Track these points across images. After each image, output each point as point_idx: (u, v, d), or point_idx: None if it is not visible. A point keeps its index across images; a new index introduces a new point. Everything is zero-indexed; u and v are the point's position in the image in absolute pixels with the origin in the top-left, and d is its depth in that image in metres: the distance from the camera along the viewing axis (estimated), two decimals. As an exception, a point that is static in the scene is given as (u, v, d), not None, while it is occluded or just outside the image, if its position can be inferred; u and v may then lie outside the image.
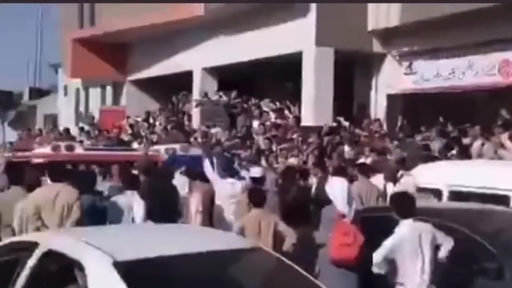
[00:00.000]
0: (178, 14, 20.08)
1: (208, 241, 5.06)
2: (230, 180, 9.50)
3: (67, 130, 20.38)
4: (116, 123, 22.07)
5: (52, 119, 30.43)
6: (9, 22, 74.69)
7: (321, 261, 6.57)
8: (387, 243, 5.76)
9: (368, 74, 17.47)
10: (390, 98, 16.77)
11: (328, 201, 6.85)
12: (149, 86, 24.44)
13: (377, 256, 5.76)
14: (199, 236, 5.40)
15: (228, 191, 9.09)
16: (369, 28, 16.50)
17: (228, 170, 10.25)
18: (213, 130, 17.09)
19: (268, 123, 16.44)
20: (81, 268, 4.36)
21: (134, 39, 23.72)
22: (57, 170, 7.88)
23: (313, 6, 16.20)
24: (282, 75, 19.19)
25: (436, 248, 5.76)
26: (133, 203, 7.91)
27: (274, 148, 13.75)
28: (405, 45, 16.43)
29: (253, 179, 8.92)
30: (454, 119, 13.72)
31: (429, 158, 10.11)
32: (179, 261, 4.50)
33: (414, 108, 15.89)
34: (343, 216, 6.44)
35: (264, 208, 7.24)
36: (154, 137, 17.35)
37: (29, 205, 7.22)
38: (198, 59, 20.45)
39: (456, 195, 7.62)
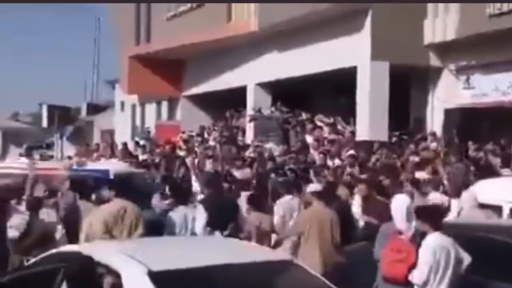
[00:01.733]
0: (232, 30, 20.30)
1: (241, 254, 5.36)
2: (287, 196, 9.57)
3: (125, 145, 20.63)
4: (171, 138, 22.32)
5: (109, 134, 30.99)
6: (68, 40, 76.82)
7: (378, 277, 6.52)
8: (426, 260, 5.84)
9: (425, 89, 17.21)
10: (448, 112, 16.50)
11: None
12: (203, 101, 24.70)
13: (422, 276, 5.85)
14: (232, 248, 5.69)
15: (286, 207, 9.29)
16: (425, 42, 16.26)
17: (286, 187, 10.30)
18: (267, 145, 17.08)
19: (322, 137, 16.33)
20: (118, 276, 4.72)
21: (189, 56, 24.04)
22: (119, 186, 8.05)
23: (368, 20, 16.10)
24: (336, 90, 19.10)
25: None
26: (190, 216, 8.09)
27: (329, 163, 13.62)
28: (463, 59, 16.14)
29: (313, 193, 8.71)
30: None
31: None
32: (210, 272, 4.77)
33: (472, 123, 15.57)
34: (400, 232, 6.35)
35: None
36: (209, 152, 17.42)
37: (97, 222, 7.32)
38: (252, 74, 20.57)
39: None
